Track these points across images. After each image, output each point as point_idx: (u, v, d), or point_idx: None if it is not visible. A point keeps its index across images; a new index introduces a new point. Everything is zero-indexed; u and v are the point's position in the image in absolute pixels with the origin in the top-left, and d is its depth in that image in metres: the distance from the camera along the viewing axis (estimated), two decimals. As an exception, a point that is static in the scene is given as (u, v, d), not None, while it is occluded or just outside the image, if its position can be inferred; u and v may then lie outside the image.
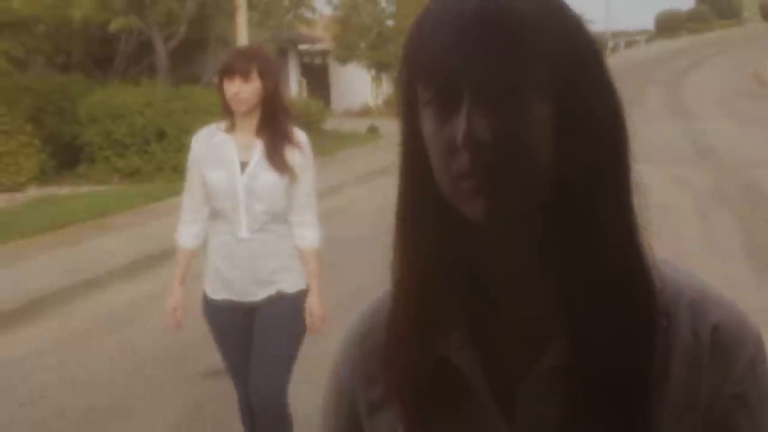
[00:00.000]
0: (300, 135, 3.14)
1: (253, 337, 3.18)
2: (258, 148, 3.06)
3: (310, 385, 2.96)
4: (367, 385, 0.87)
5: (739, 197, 9.61)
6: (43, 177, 13.45)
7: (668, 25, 63.68)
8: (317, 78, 27.01)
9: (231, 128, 3.09)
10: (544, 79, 0.71)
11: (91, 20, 13.38)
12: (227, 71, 3.01)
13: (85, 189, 12.89)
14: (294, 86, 25.42)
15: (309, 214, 3.15)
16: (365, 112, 25.51)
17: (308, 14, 18.11)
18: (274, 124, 3.05)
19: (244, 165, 3.06)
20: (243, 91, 2.98)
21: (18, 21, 14.13)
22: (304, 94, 24.73)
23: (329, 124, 19.59)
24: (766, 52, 32.96)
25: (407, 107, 0.78)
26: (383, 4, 25.43)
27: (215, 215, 3.14)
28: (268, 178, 3.05)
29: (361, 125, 20.98)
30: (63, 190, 12.90)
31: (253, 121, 3.06)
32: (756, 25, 58.65)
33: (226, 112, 3.07)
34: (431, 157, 0.76)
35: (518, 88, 0.71)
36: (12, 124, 13.06)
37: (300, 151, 3.08)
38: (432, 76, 0.73)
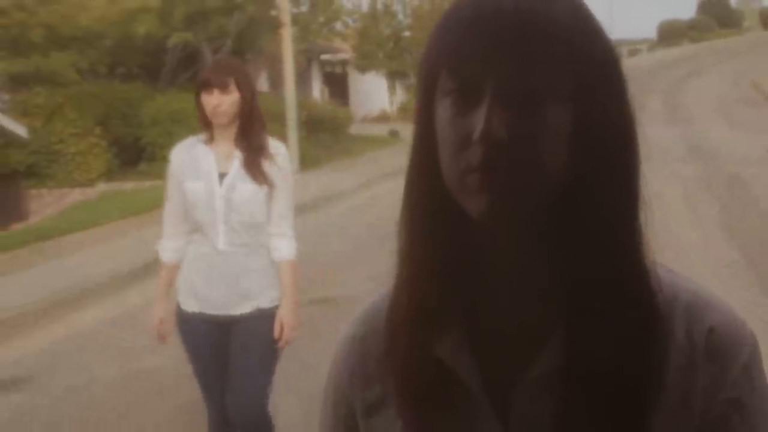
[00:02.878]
0: (277, 146, 3.13)
1: (227, 351, 3.14)
2: (237, 159, 3.05)
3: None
4: (365, 386, 0.87)
5: (722, 186, 11.25)
6: (109, 174, 15.21)
7: (670, 33, 64.84)
8: (337, 86, 28.66)
9: (210, 140, 3.07)
10: (567, 86, 0.72)
11: (153, 35, 15.08)
12: (204, 85, 3.00)
13: (147, 184, 14.57)
14: (316, 93, 27.09)
15: (286, 225, 3.13)
16: (384, 118, 27.14)
17: (341, 28, 19.75)
18: (251, 135, 3.04)
19: (222, 176, 3.04)
20: (222, 103, 2.97)
21: (82, 36, 15.87)
22: (315, 101, 26.39)
23: (352, 129, 21.30)
24: (764, 61, 34.23)
25: (425, 94, 0.78)
26: (400, 16, 27.09)
27: (194, 227, 3.10)
28: (247, 188, 3.03)
29: (380, 130, 22.64)
30: (128, 185, 14.60)
31: (232, 132, 3.05)
32: (756, 34, 59.61)
33: (203, 124, 3.07)
34: (441, 148, 0.75)
35: (541, 93, 0.72)
36: (83, 128, 14.83)
37: (277, 162, 3.07)
38: (458, 67, 0.73)
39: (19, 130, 14.37)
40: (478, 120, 0.71)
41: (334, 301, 6.14)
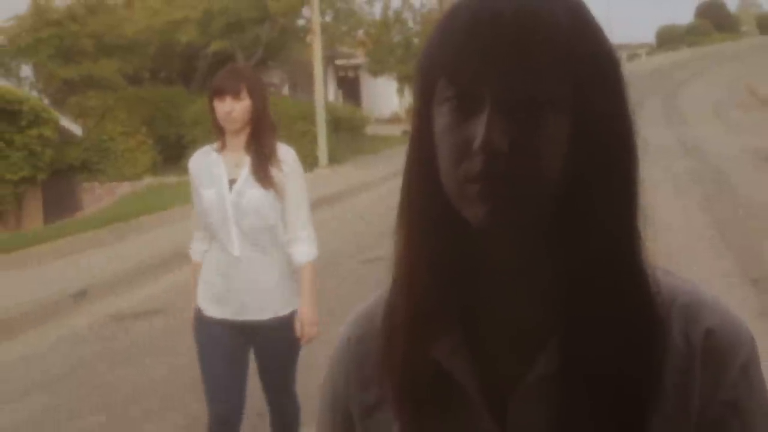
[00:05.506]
0: (286, 151, 3.16)
1: (243, 355, 3.23)
2: (246, 164, 3.09)
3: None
4: (362, 388, 0.87)
5: (707, 178, 12.76)
6: (153, 169, 16.77)
7: (669, 38, 65.88)
8: (351, 89, 30.22)
9: (222, 147, 3.14)
10: (567, 91, 0.71)
11: (194, 43, 16.65)
12: (217, 92, 3.05)
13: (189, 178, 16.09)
14: (331, 96, 28.61)
15: (300, 228, 3.16)
16: (395, 120, 28.67)
17: (360, 36, 21.32)
18: (261, 140, 3.08)
19: (232, 182, 3.09)
20: (235, 109, 3.02)
21: (127, 44, 17.45)
22: (337, 103, 27.93)
23: (366, 130, 22.87)
24: (760, 65, 35.43)
25: (422, 99, 0.78)
26: (410, 23, 28.57)
27: (210, 233, 3.17)
28: (255, 194, 3.07)
29: (392, 130, 24.17)
30: (171, 179, 16.13)
31: (243, 138, 3.10)
32: (753, 39, 60.56)
33: (216, 131, 3.12)
34: (440, 156, 0.75)
35: (541, 99, 0.71)
36: (131, 127, 16.44)
37: (286, 167, 3.11)
38: (456, 74, 0.73)
39: (75, 129, 15.94)
40: (478, 130, 0.71)
41: (382, 260, 7.69)
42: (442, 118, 0.75)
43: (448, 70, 0.73)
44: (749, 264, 7.33)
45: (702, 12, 71.20)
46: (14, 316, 6.71)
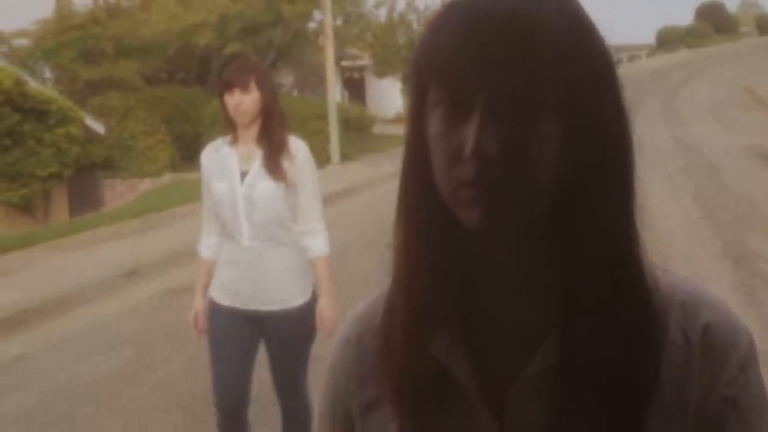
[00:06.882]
0: (297, 144, 3.18)
1: (253, 345, 3.27)
2: (257, 157, 3.11)
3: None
4: (361, 386, 0.88)
5: (700, 172, 13.48)
6: (172, 166, 17.49)
7: (668, 39, 66.23)
8: (356, 89, 30.94)
9: (234, 140, 3.16)
10: (559, 97, 0.71)
11: (210, 46, 17.39)
12: (227, 85, 3.08)
13: (207, 175, 16.82)
14: (337, 97, 29.30)
15: (313, 221, 3.19)
16: (399, 120, 29.36)
17: (370, 38, 22.07)
18: (271, 133, 3.10)
19: (244, 175, 3.11)
20: (244, 102, 3.04)
21: (145, 46, 18.20)
22: (346, 103, 28.62)
23: (374, 129, 23.62)
24: (760, 66, 35.84)
25: (416, 105, 0.78)
26: (414, 26, 29.25)
27: (222, 225, 3.20)
28: (266, 186, 3.09)
29: (396, 130, 24.88)
30: (190, 176, 16.82)
31: (254, 131, 3.12)
32: (751, 40, 60.99)
33: (228, 125, 3.15)
34: (433, 159, 0.76)
35: (533, 105, 0.71)
36: (152, 126, 17.18)
37: (298, 160, 3.13)
38: (447, 79, 0.73)
39: (98, 127, 16.67)
40: (469, 134, 0.71)
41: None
42: (434, 122, 0.75)
43: (440, 73, 0.73)
44: (732, 246, 8.08)
45: (702, 13, 71.52)
46: (79, 291, 7.56)
